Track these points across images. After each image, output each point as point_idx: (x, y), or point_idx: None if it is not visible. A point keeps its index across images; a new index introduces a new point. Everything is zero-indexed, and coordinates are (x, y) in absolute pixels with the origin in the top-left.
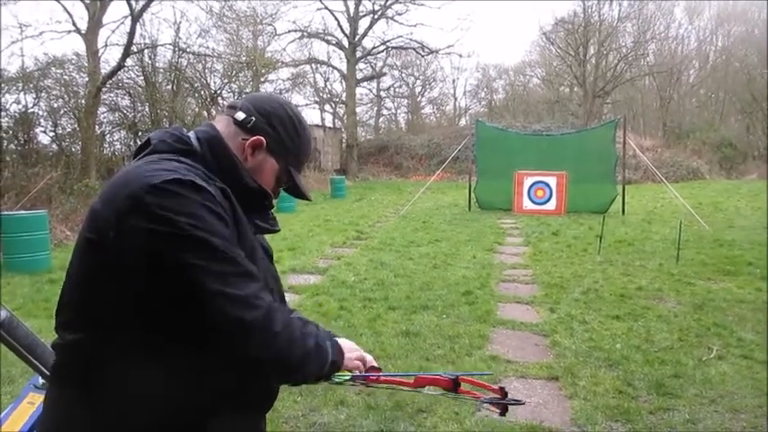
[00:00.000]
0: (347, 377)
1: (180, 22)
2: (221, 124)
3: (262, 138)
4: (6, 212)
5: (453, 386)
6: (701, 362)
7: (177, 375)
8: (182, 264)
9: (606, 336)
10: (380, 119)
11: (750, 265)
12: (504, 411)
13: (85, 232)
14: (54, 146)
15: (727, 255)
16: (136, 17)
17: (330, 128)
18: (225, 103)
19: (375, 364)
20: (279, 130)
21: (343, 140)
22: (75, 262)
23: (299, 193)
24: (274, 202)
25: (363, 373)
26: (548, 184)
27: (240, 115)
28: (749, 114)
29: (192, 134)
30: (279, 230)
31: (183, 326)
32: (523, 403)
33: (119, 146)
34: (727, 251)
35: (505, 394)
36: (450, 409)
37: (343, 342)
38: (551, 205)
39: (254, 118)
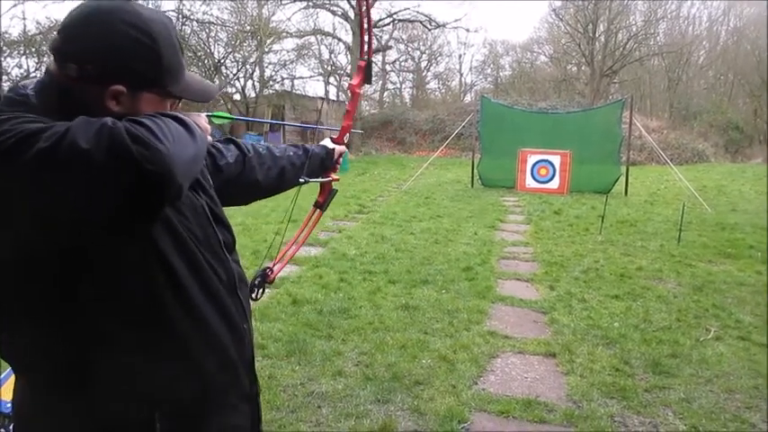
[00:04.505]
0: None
1: None
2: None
3: (118, 86)
4: None
5: None
6: (699, 342)
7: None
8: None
9: (605, 314)
10: (385, 93)
11: (751, 248)
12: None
13: None
14: None
15: (728, 238)
16: None
17: (334, 101)
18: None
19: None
20: (133, 66)
21: None
22: None
23: (200, 99)
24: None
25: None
26: (551, 163)
27: (73, 69)
28: (757, 98)
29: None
30: None
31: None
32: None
33: None
34: (728, 234)
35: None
36: (448, 381)
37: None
38: (554, 184)
39: (89, 66)
